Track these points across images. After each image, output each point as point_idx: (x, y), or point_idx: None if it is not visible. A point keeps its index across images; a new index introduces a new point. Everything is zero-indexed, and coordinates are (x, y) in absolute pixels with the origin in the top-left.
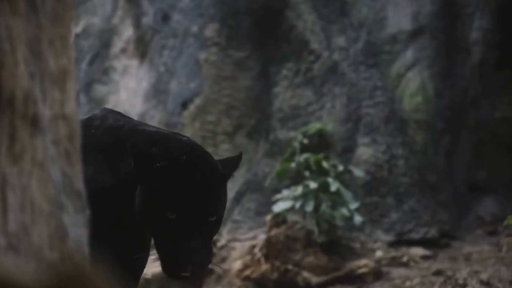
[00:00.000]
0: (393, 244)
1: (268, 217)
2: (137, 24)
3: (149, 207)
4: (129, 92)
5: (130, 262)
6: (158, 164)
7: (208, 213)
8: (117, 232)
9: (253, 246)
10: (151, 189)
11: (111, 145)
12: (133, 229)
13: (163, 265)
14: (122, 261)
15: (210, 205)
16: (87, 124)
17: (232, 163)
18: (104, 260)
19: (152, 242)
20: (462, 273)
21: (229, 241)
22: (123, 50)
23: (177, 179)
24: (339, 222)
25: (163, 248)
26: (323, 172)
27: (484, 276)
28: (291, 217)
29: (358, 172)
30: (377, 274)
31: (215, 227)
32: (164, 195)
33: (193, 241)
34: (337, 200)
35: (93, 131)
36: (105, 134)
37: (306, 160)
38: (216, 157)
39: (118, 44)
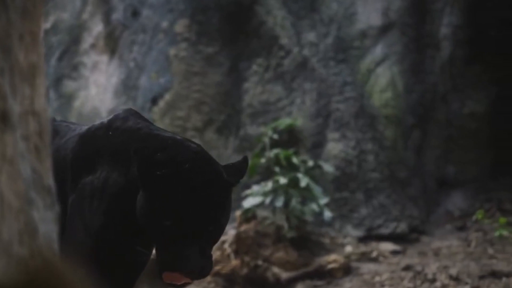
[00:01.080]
0: (362, 240)
1: (238, 213)
2: (106, 20)
3: (148, 213)
4: (99, 88)
5: (131, 258)
6: (159, 172)
7: (207, 222)
8: (124, 233)
9: (223, 242)
10: (152, 195)
11: (126, 147)
12: (140, 231)
13: (159, 270)
14: (124, 260)
15: (211, 214)
16: (108, 126)
17: (238, 170)
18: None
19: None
20: (431, 268)
21: None
22: (93, 46)
23: (178, 187)
24: (308, 218)
25: (160, 254)
26: (293, 168)
27: (453, 271)
28: (261, 213)
29: (328, 168)
30: (346, 270)
31: (215, 235)
32: (163, 202)
33: (188, 249)
34: (307, 196)
35: (110, 133)
36: (122, 136)
37: (276, 156)
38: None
39: (87, 40)
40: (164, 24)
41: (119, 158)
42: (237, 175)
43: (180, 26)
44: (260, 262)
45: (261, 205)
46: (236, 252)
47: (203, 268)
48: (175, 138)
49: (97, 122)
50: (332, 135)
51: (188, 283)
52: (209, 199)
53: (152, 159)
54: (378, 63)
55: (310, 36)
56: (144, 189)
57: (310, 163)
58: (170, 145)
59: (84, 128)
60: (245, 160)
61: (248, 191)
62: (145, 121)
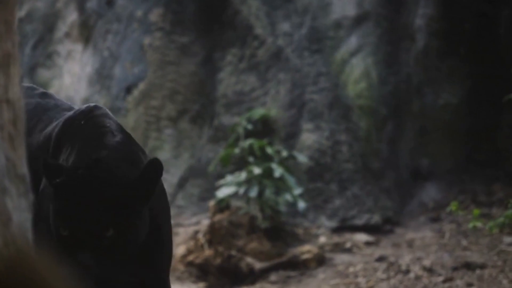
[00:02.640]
0: (336, 230)
1: (212, 203)
2: (81, 9)
3: (52, 223)
4: (73, 77)
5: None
6: (56, 180)
7: (98, 228)
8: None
9: (197, 232)
10: (52, 205)
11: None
12: None
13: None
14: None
15: (99, 221)
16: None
17: (149, 177)
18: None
19: None
20: (405, 259)
21: (172, 226)
22: (67, 35)
23: (68, 195)
24: (282, 208)
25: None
26: (267, 158)
27: (426, 262)
28: (235, 203)
29: (302, 158)
30: (320, 260)
31: (118, 243)
32: (57, 211)
33: (82, 256)
34: (280, 186)
35: (82, 122)
36: (84, 131)
37: (250, 146)
38: (158, 143)
39: (62, 29)
40: (139, 13)
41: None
42: (144, 179)
43: (155, 15)
44: (233, 252)
45: (235, 195)
46: (210, 242)
47: (100, 279)
48: (91, 145)
49: (76, 110)
50: (306, 125)
51: None
52: (100, 204)
53: (52, 167)
54: (353, 54)
55: (285, 26)
56: (50, 200)
57: (284, 153)
58: (81, 151)
59: (67, 114)
60: (156, 164)
61: (222, 181)
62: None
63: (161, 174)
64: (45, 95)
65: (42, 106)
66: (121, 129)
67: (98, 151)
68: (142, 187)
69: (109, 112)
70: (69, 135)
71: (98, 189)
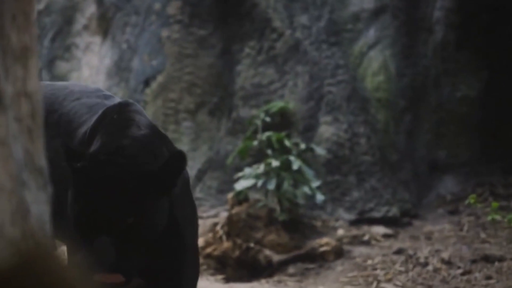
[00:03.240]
0: (354, 223)
1: (230, 195)
2: (99, 1)
3: (71, 208)
4: (92, 69)
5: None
6: (76, 165)
7: (118, 214)
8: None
9: (215, 224)
10: (73, 189)
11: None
12: None
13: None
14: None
15: (121, 207)
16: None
17: (172, 166)
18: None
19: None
20: (423, 252)
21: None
22: (86, 27)
23: (89, 180)
24: (300, 201)
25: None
26: (285, 151)
27: (445, 255)
28: (253, 195)
29: (320, 151)
30: (338, 253)
31: (137, 231)
32: (77, 195)
33: (98, 241)
34: (299, 179)
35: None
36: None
37: (268, 138)
38: (176, 136)
39: (80, 21)
40: (157, 5)
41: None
42: (170, 171)
43: (173, 8)
44: (251, 245)
45: (253, 187)
46: (228, 234)
47: (119, 266)
48: (114, 134)
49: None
50: (324, 118)
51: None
52: (123, 190)
53: (73, 152)
54: (371, 46)
55: (303, 19)
56: (72, 182)
57: (302, 146)
58: (105, 139)
59: (103, 109)
60: (180, 155)
61: (240, 174)
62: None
63: (184, 167)
64: (108, 96)
65: (100, 104)
66: (150, 125)
67: (121, 140)
68: (163, 177)
69: (142, 110)
70: (100, 128)
71: (119, 175)
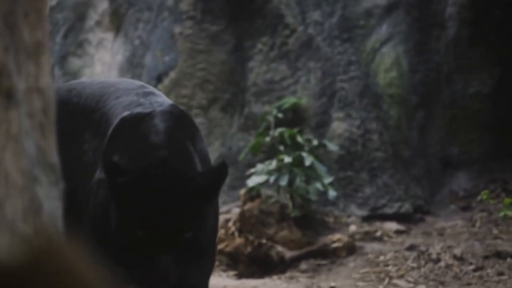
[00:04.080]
0: (366, 219)
1: (242, 191)
2: None
3: (119, 224)
4: (104, 66)
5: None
6: (124, 179)
7: (178, 228)
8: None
9: (227, 220)
10: (119, 205)
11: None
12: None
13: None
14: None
15: (180, 221)
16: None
17: (215, 174)
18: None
19: None
20: (436, 248)
21: None
22: (98, 23)
23: (142, 194)
24: (313, 197)
25: (135, 270)
26: (298, 147)
27: (457, 251)
28: (265, 191)
29: (332, 147)
30: (350, 249)
31: (196, 244)
32: (129, 211)
33: (160, 259)
34: (311, 175)
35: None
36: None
37: (281, 135)
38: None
39: (93, 17)
40: (169, 2)
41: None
42: (214, 180)
43: (185, 4)
44: (264, 241)
45: (265, 183)
46: (240, 231)
47: (187, 280)
48: (153, 144)
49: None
50: (336, 114)
51: None
52: (178, 204)
53: (116, 166)
54: (383, 42)
55: (315, 15)
56: (113, 198)
57: (315, 142)
58: (143, 151)
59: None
60: (223, 165)
61: (252, 170)
62: (165, 122)
63: (226, 177)
64: (148, 93)
65: (134, 103)
66: (176, 127)
67: (158, 150)
68: (210, 188)
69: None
70: (117, 138)
71: (173, 189)
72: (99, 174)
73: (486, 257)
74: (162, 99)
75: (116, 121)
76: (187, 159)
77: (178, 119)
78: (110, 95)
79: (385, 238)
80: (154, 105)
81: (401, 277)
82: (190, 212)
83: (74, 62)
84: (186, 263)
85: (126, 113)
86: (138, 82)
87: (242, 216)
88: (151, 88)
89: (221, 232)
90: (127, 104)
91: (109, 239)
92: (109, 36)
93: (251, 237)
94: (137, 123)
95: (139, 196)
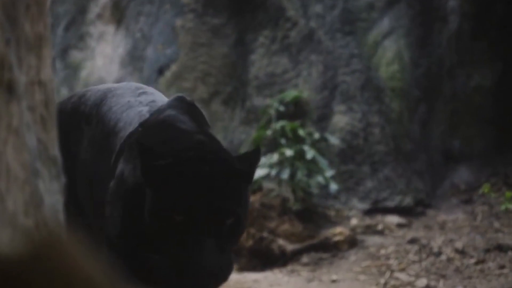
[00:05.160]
0: (368, 212)
1: None
2: None
3: (155, 210)
4: (105, 58)
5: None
6: (161, 162)
7: (222, 214)
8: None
9: None
10: (156, 189)
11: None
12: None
13: (169, 277)
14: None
15: (223, 206)
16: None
17: (250, 159)
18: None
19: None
20: (437, 241)
21: None
22: (99, 16)
23: (182, 178)
24: (314, 190)
25: (171, 256)
26: (299, 140)
27: (458, 245)
28: (267, 185)
29: (334, 140)
30: (352, 242)
31: (235, 231)
32: (169, 195)
33: (204, 245)
34: (312, 168)
35: (140, 128)
36: (146, 128)
37: (282, 128)
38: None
39: (94, 10)
40: None
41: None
42: (249, 164)
43: None
44: (265, 234)
45: (267, 177)
46: None
47: (222, 268)
48: (185, 130)
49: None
50: (338, 107)
51: None
52: (220, 189)
53: (153, 151)
54: (385, 36)
55: (317, 8)
56: (149, 184)
57: (316, 135)
58: (175, 136)
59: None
60: (257, 150)
61: None
62: (181, 112)
63: (260, 158)
64: (143, 93)
65: (129, 104)
66: (196, 116)
67: (192, 135)
68: (248, 172)
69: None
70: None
71: (214, 172)
72: (120, 173)
73: (487, 251)
74: (157, 98)
75: (129, 120)
76: (220, 145)
77: (192, 108)
78: (108, 99)
79: (387, 231)
80: (157, 103)
81: (402, 270)
82: (231, 196)
83: (75, 55)
84: (222, 252)
85: (141, 121)
86: (136, 84)
87: None
88: (146, 88)
89: None
90: (125, 104)
91: (139, 231)
92: (110, 29)
93: (252, 231)
94: (157, 116)
95: (178, 179)
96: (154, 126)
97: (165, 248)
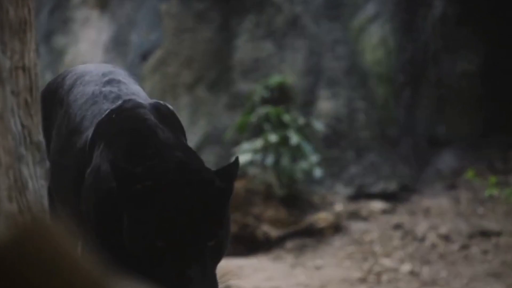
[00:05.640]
0: (352, 198)
1: None
2: None
3: (134, 235)
4: (89, 43)
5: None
6: (139, 188)
7: (204, 237)
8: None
9: None
10: (135, 214)
11: (120, 137)
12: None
13: None
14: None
15: (206, 228)
16: (118, 108)
17: (229, 173)
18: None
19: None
20: (421, 227)
21: None
22: (84, 1)
23: (163, 203)
24: (299, 176)
25: (157, 281)
26: (284, 125)
27: (443, 230)
28: (251, 170)
29: (319, 126)
30: (336, 228)
31: (218, 252)
32: (149, 221)
33: (189, 271)
34: (297, 154)
35: (114, 116)
36: (123, 123)
37: (267, 113)
38: (174, 110)
39: None
40: None
41: (111, 147)
42: (229, 179)
43: None
44: (250, 220)
45: (251, 162)
46: None
47: None
48: (165, 144)
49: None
50: (323, 92)
51: None
52: (203, 211)
53: (129, 174)
54: (370, 21)
55: None
56: (126, 208)
57: (301, 121)
58: (154, 153)
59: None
60: (235, 162)
61: (238, 148)
62: (161, 122)
63: (237, 172)
64: (110, 82)
65: (94, 98)
66: (167, 120)
67: (173, 152)
68: (228, 189)
69: (141, 102)
70: (102, 133)
71: (196, 194)
72: (92, 179)
73: (471, 236)
74: (122, 88)
75: (100, 117)
76: (198, 159)
77: (170, 116)
78: (75, 87)
79: (371, 217)
80: (123, 96)
81: (386, 256)
82: (213, 218)
83: (59, 40)
84: (205, 275)
85: (113, 107)
86: (104, 69)
87: None
88: (114, 74)
89: None
90: (89, 98)
91: (119, 254)
92: (95, 14)
93: (237, 217)
94: (131, 120)
95: (159, 204)
96: (132, 135)
97: (147, 272)
